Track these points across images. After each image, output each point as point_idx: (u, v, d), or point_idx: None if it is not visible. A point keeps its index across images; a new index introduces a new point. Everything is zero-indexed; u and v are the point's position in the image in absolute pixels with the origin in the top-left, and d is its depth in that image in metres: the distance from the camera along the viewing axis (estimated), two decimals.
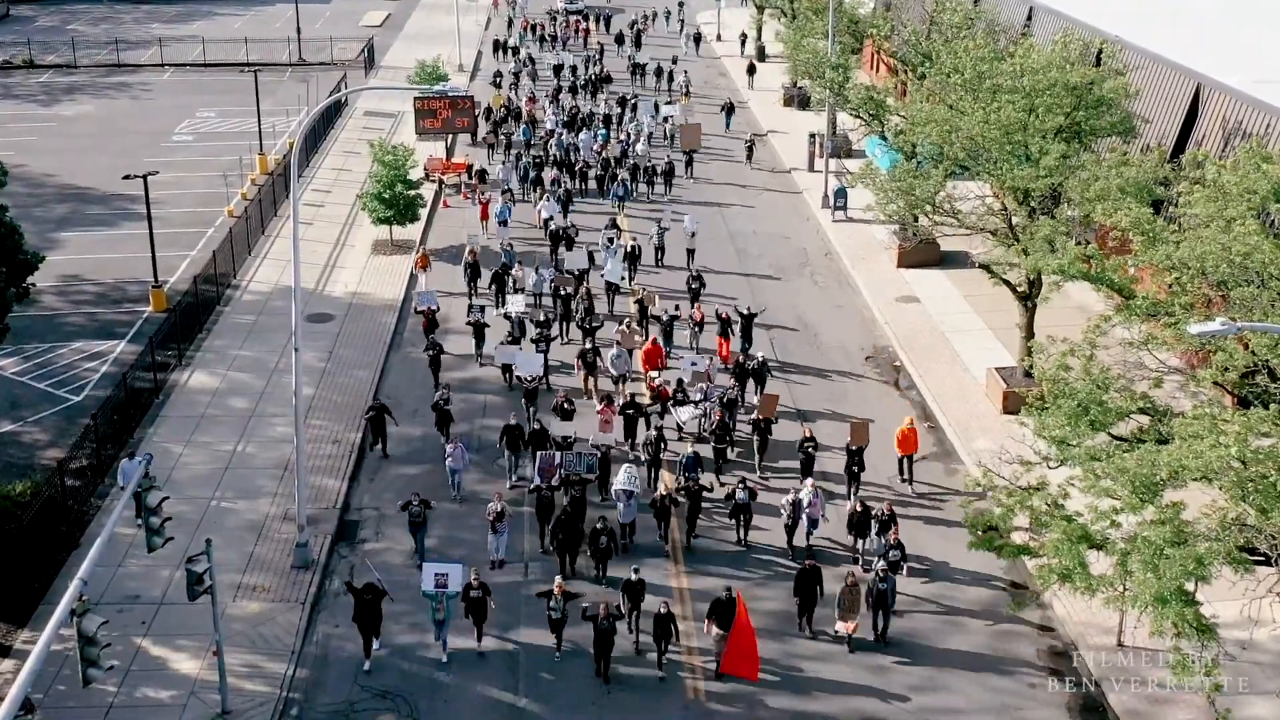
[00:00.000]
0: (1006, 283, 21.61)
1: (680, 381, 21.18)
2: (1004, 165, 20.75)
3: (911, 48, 29.07)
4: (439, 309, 24.53)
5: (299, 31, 48.83)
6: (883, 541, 17.07)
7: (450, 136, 36.19)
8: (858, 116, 29.84)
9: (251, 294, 27.26)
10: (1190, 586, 12.82)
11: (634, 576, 16.01)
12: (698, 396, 20.77)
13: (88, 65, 47.99)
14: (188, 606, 15.46)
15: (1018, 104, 20.33)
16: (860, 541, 17.72)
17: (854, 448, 18.93)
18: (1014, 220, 21.44)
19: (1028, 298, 21.41)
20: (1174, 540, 12.62)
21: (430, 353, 22.89)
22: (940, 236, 24.66)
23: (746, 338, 23.47)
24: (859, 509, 17.63)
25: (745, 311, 23.65)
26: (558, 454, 18.64)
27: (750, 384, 21.90)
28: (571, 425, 20.09)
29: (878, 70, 39.55)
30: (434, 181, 34.00)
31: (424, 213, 30.81)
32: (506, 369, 22.72)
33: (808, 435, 19.49)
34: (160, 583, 17.23)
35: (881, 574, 16.05)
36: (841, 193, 30.95)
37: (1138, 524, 13.18)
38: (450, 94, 32.82)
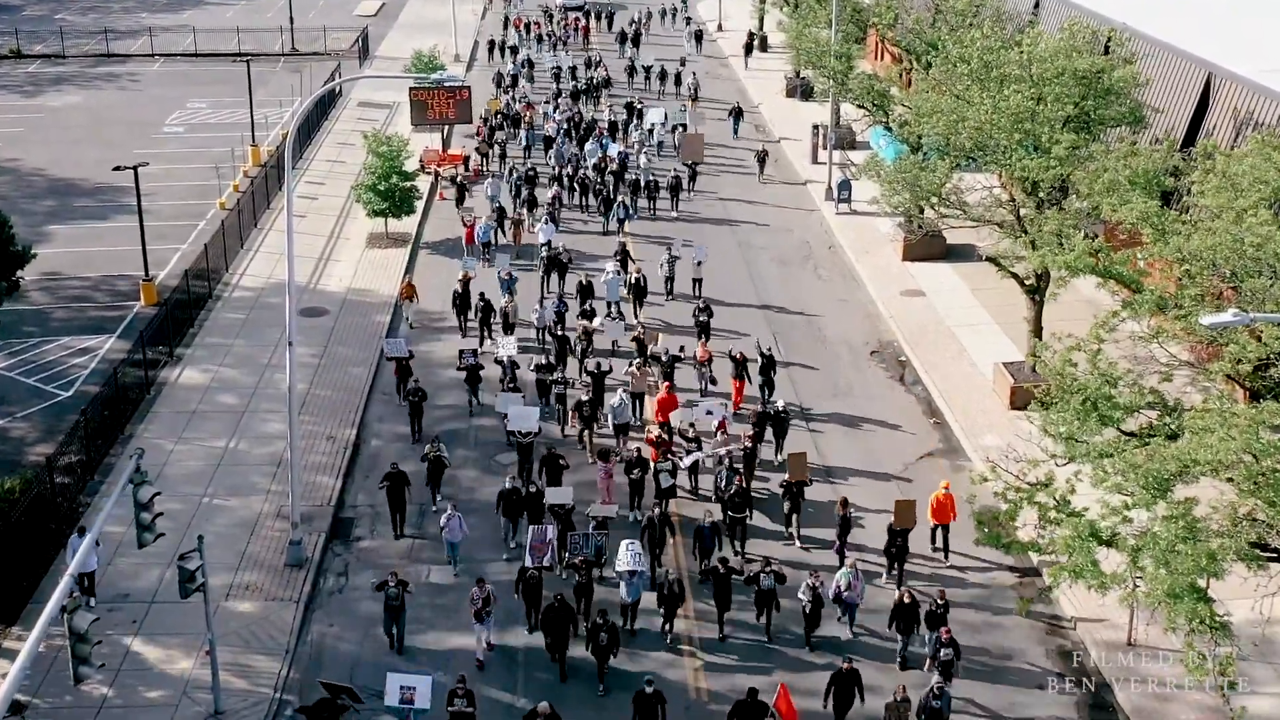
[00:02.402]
0: (1014, 276, 21.34)
1: (693, 428, 18.94)
2: (1012, 155, 20.45)
3: (916, 37, 28.71)
4: (413, 356, 21.80)
5: (292, 21, 48.30)
6: (933, 639, 14.82)
7: (446, 128, 35.74)
8: (861, 107, 29.45)
9: (244, 289, 26.87)
10: (1202, 583, 12.62)
11: (648, 689, 13.72)
12: (708, 449, 18.49)
13: (76, 55, 47.41)
14: (179, 605, 15.20)
15: (1026, 93, 20.04)
16: (905, 638, 15.33)
17: (897, 529, 16.67)
18: (1022, 212, 21.15)
19: (1035, 291, 21.14)
20: (1185, 536, 12.41)
21: (412, 399, 20.33)
22: (946, 229, 24.36)
23: (767, 381, 20.87)
24: (905, 599, 15.24)
25: (766, 351, 21.19)
26: (549, 529, 16.22)
27: (769, 434, 19.40)
28: (565, 490, 17.32)
29: (881, 59, 39.12)
30: (429, 173, 33.56)
31: (419, 205, 30.38)
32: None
33: (843, 504, 17.21)
34: (151, 581, 16.94)
35: (937, 690, 13.85)
36: (845, 185, 30.57)
37: (1149, 520, 12.95)
38: (446, 84, 32.50)
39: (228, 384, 22.60)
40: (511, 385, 20.66)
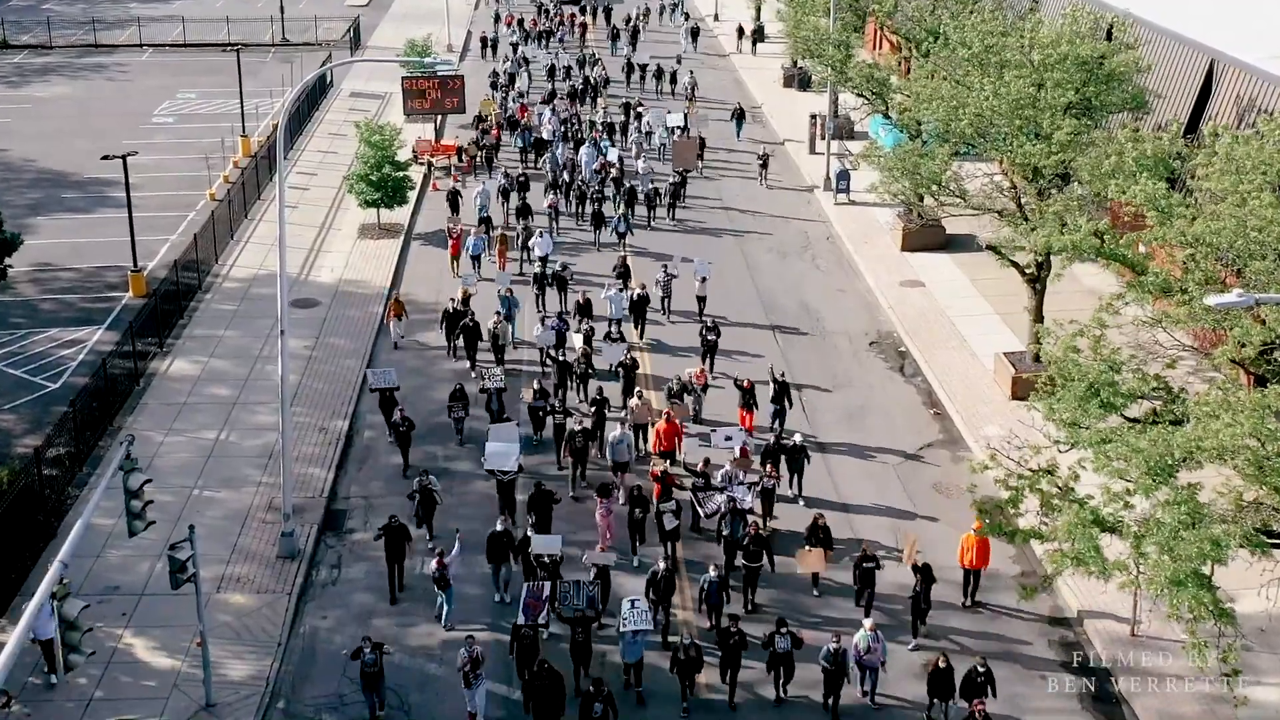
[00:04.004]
0: (1015, 264, 21.16)
1: (706, 463, 17.07)
2: (1013, 142, 20.25)
3: (916, 24, 28.46)
4: (399, 388, 19.95)
5: (282, 11, 47.82)
6: (965, 713, 13.23)
7: (439, 118, 35.39)
8: (860, 95, 29.18)
9: (234, 280, 26.55)
10: (1206, 570, 12.48)
11: None
12: (722, 486, 16.63)
13: (63, 45, 46.88)
14: (170, 598, 14.98)
15: (1027, 78, 19.85)
16: (944, 706, 13.83)
17: (913, 565, 15.27)
18: (1023, 199, 20.96)
19: (1036, 280, 20.97)
20: (1189, 522, 12.28)
21: (400, 429, 18.73)
22: (946, 217, 24.17)
23: (780, 409, 19.04)
24: (940, 664, 13.71)
25: (779, 377, 19.50)
26: (546, 585, 14.61)
27: (785, 470, 17.64)
28: (554, 539, 15.67)
29: (880, 48, 38.86)
30: (422, 164, 33.22)
31: (412, 196, 30.04)
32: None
33: (865, 554, 15.57)
34: (141, 574, 16.67)
35: None
36: (844, 175, 30.29)
37: (1152, 506, 12.80)
38: (439, 71, 32.14)
39: (218, 375, 22.30)
40: (505, 416, 18.98)
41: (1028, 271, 21.09)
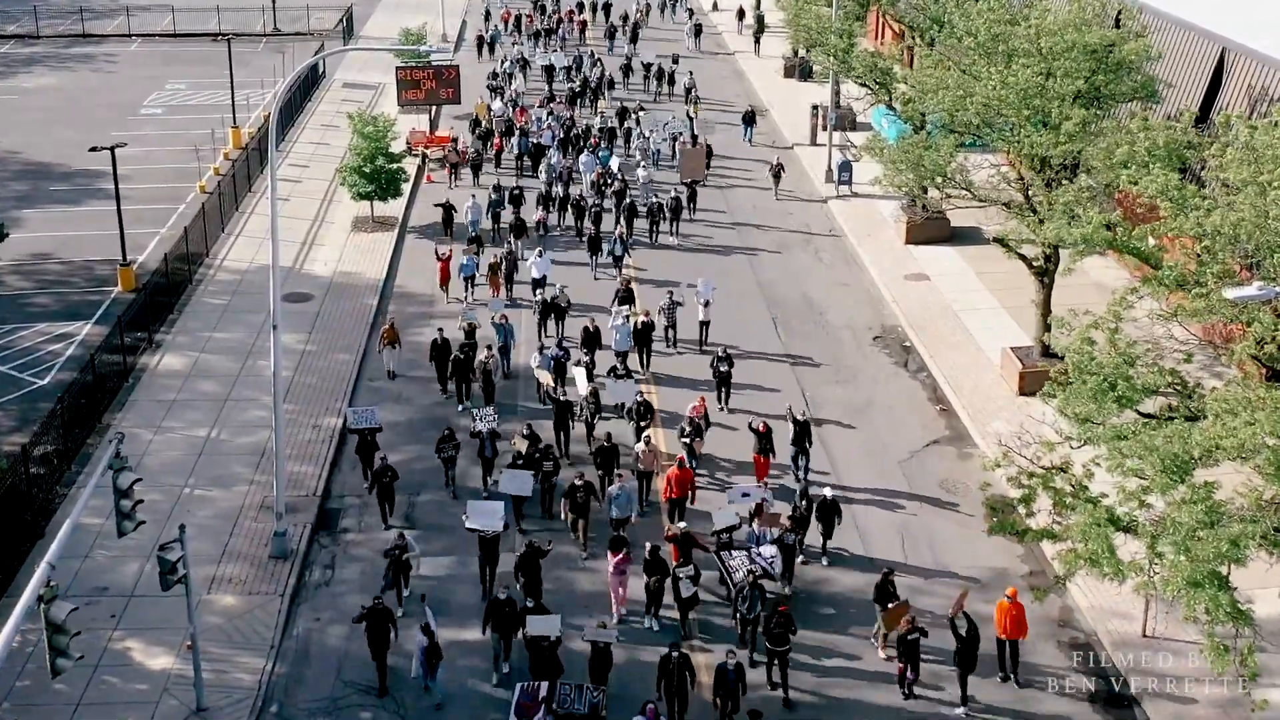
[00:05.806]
0: (1022, 257, 20.82)
1: (731, 531, 15.48)
2: (1021, 131, 19.88)
3: (920, 12, 28.04)
4: (381, 428, 18.20)
5: (273, 0, 47.15)
6: None
7: (434, 109, 34.90)
8: (864, 85, 28.73)
9: (225, 273, 26.14)
10: (1224, 570, 12.20)
11: None
12: (747, 546, 15.10)
13: (50, 35, 46.28)
14: (160, 599, 14.63)
15: (1034, 67, 19.49)
16: None
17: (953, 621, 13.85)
18: (1030, 191, 20.61)
19: (1044, 273, 20.63)
20: (1207, 521, 11.97)
21: (383, 480, 17.14)
22: (951, 209, 23.79)
23: (801, 451, 17.35)
24: None
25: (800, 416, 17.75)
26: (543, 686, 13.18)
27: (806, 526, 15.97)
28: (551, 620, 14.01)
29: (883, 38, 38.43)
30: (416, 155, 32.75)
31: (406, 188, 29.58)
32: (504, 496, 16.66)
33: (911, 624, 13.94)
34: (130, 574, 16.30)
35: None
36: (846, 166, 29.89)
37: (1168, 505, 12.49)
38: (434, 63, 31.64)
39: (209, 371, 21.88)
40: (519, 461, 17.06)
41: (1035, 265, 20.76)
